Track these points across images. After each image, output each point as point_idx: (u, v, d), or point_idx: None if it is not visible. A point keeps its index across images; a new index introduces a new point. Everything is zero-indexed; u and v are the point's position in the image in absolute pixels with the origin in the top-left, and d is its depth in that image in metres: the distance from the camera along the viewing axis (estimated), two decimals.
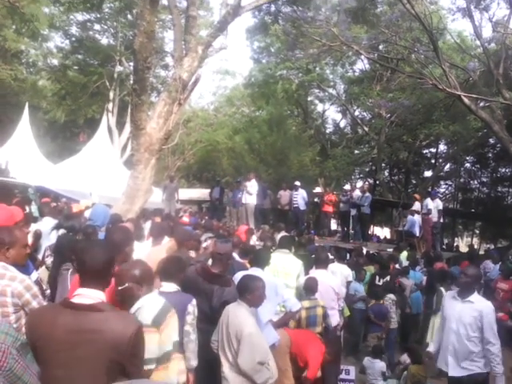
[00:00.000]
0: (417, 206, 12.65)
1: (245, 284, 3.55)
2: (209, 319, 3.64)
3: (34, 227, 5.39)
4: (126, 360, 2.01)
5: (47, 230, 5.24)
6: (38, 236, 5.18)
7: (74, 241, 4.33)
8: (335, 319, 5.45)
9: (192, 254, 5.14)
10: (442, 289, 6.66)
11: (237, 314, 3.41)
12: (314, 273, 5.63)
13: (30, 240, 4.53)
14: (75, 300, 2.05)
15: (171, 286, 3.41)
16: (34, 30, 14.78)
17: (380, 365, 5.89)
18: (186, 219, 11.10)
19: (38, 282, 3.41)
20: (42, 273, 4.32)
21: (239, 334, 3.29)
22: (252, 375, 3.29)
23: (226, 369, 3.36)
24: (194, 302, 3.36)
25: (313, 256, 6.39)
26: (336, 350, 5.46)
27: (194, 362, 3.30)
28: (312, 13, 18.10)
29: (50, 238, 5.06)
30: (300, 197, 13.31)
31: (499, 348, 4.00)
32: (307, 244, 8.64)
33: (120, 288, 2.68)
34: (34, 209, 8.18)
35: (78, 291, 2.09)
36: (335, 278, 6.01)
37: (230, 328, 3.36)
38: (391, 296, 7.20)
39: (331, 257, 7.52)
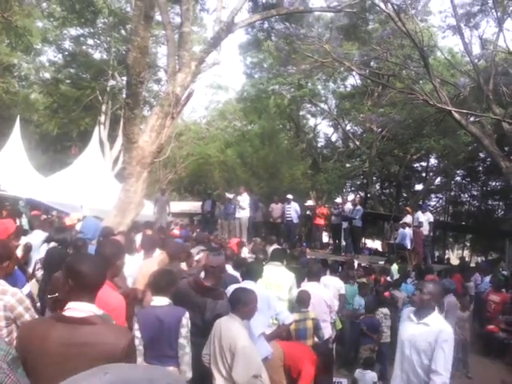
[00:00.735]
0: (408, 218, 12.73)
1: (237, 297, 3.54)
2: (201, 332, 3.62)
3: (23, 240, 5.34)
4: None
5: (37, 243, 5.19)
6: (28, 249, 5.14)
7: (65, 254, 4.30)
8: (327, 332, 5.44)
9: (183, 266, 5.12)
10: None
11: (229, 327, 3.39)
12: (306, 285, 5.63)
13: (19, 253, 4.50)
14: (67, 313, 2.04)
15: (163, 300, 3.42)
16: (27, 45, 14.82)
17: (371, 375, 5.86)
18: (176, 232, 11.08)
19: (30, 296, 3.39)
20: (32, 286, 4.27)
21: (233, 348, 3.27)
22: None
23: (218, 382, 3.34)
24: (187, 314, 3.36)
25: (305, 269, 6.39)
26: (328, 363, 5.44)
27: (189, 374, 3.31)
28: (304, 30, 18.36)
29: (40, 251, 5.01)
30: (293, 210, 13.35)
31: (446, 383, 3.32)
32: (299, 257, 8.65)
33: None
34: (24, 222, 8.12)
35: (69, 305, 2.07)
36: (327, 291, 6.01)
37: (223, 341, 3.34)
38: (383, 310, 7.20)
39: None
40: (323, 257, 12.82)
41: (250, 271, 4.65)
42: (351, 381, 5.97)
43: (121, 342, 1.99)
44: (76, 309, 2.05)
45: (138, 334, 3.26)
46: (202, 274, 4.17)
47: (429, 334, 3.39)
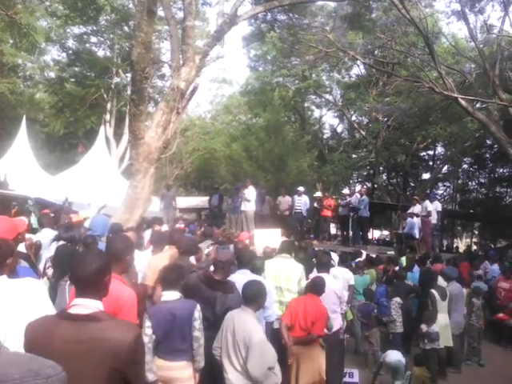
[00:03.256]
0: (417, 208, 12.64)
1: (252, 290, 3.59)
2: (212, 326, 3.65)
3: (34, 238, 5.37)
4: (127, 368, 1.97)
5: (47, 242, 5.23)
6: (38, 247, 5.17)
7: (74, 251, 4.32)
8: (338, 322, 5.42)
9: (192, 260, 5.12)
10: (434, 291, 6.69)
11: (243, 320, 3.42)
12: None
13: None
14: (72, 310, 2.01)
15: (174, 294, 3.44)
16: (32, 43, 14.82)
17: (395, 353, 5.83)
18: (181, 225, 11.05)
19: None
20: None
21: (247, 341, 3.32)
22: (262, 381, 3.33)
23: (231, 375, 3.37)
24: (199, 307, 3.40)
25: (313, 260, 6.38)
26: (339, 354, 5.45)
27: (202, 363, 3.43)
28: (308, 20, 18.19)
29: (50, 249, 5.04)
30: (303, 203, 13.36)
31: None
32: (308, 248, 8.63)
33: None
34: (33, 220, 8.18)
35: (74, 301, 2.05)
36: (337, 282, 5.99)
37: (237, 335, 3.37)
38: (397, 299, 7.16)
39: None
40: (331, 248, 12.79)
41: (242, 259, 4.69)
42: (377, 365, 6.01)
43: (127, 338, 1.96)
44: (81, 305, 2.02)
45: (148, 331, 3.27)
46: (212, 268, 4.18)
47: None
